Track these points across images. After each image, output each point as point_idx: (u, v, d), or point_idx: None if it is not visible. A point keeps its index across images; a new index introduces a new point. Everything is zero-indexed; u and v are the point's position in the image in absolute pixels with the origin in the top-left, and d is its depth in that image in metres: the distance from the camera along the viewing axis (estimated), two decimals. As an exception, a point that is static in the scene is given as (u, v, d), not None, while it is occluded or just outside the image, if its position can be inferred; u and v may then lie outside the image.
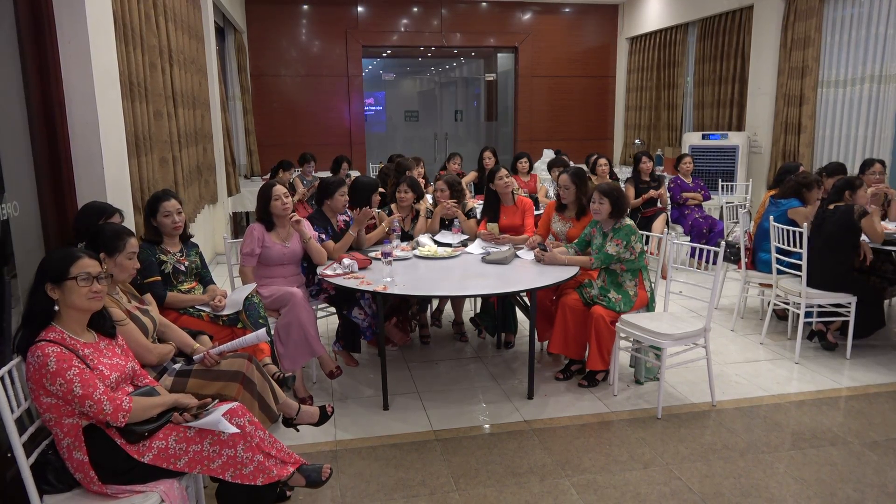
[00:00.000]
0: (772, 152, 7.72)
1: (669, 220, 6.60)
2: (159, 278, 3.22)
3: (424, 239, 4.36)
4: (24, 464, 2.02)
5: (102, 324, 2.25)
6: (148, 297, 2.89)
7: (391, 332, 4.30)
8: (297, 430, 3.06)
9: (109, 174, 3.31)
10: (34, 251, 2.94)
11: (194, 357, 2.71)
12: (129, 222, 3.44)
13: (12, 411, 2.02)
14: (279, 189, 3.77)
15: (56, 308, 2.12)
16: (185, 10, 5.65)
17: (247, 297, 3.42)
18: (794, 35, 7.25)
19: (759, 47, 7.79)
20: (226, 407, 2.22)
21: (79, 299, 2.11)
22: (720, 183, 7.60)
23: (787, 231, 4.29)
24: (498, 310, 4.48)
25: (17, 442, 1.99)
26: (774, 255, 4.41)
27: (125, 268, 2.57)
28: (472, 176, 7.03)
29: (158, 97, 4.55)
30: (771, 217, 4.45)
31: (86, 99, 3.17)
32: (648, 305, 3.89)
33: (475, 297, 4.74)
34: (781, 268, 4.42)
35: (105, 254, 2.49)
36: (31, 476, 2.03)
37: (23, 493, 2.04)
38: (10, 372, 2.07)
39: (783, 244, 4.33)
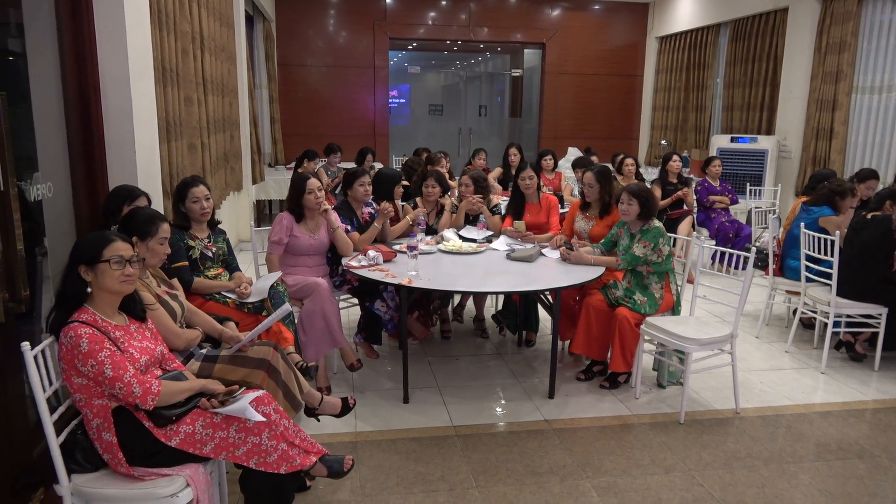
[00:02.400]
0: (802, 158, 7.59)
1: (695, 222, 6.52)
2: (186, 263, 3.24)
3: (449, 234, 4.35)
4: (54, 442, 2.04)
5: (133, 307, 2.27)
6: (175, 281, 2.92)
7: (412, 326, 4.29)
8: (318, 420, 3.07)
9: (141, 158, 3.33)
10: (66, 232, 2.98)
11: (228, 350, 2.71)
12: (158, 207, 3.46)
13: (44, 390, 2.04)
14: (313, 182, 3.77)
15: (89, 290, 2.14)
16: (218, -2, 5.67)
17: (272, 286, 3.44)
18: (830, 39, 7.10)
19: (793, 50, 7.65)
20: (253, 395, 2.23)
21: (111, 282, 2.12)
22: (748, 187, 7.48)
23: (818, 239, 4.21)
24: (520, 307, 4.45)
25: (47, 420, 2.02)
26: (804, 262, 4.34)
27: (156, 252, 2.59)
28: (497, 172, 7.00)
29: (189, 83, 4.58)
30: (802, 224, 4.37)
31: (120, 83, 3.19)
32: (674, 309, 3.85)
33: (498, 293, 4.71)
34: (810, 275, 4.34)
35: (137, 238, 2.51)
36: (60, 454, 2.06)
37: (51, 471, 2.07)
38: (42, 351, 2.09)
39: (814, 252, 4.26)
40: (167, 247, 2.65)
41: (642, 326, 3.66)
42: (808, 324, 4.93)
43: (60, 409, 2.17)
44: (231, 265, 3.55)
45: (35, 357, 2.02)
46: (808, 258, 4.32)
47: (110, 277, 2.12)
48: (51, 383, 2.11)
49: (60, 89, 2.94)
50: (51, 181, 2.82)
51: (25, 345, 1.99)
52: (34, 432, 2.39)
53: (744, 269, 3.58)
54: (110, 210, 2.89)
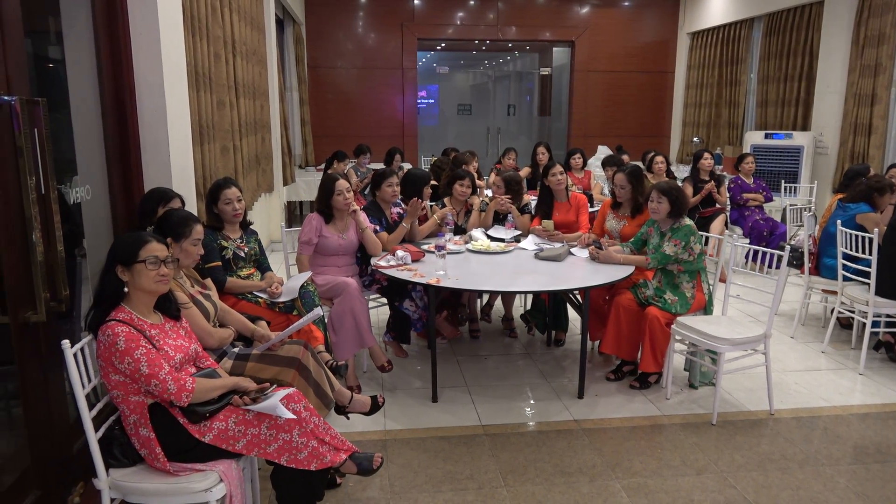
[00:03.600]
0: (839, 153, 7.41)
1: (728, 220, 6.41)
2: (219, 263, 3.30)
3: (477, 233, 4.35)
4: (93, 437, 2.10)
5: (168, 306, 2.32)
6: (208, 281, 2.97)
7: (441, 325, 4.31)
8: (348, 419, 3.10)
9: (175, 161, 3.40)
10: (103, 234, 3.06)
11: (258, 348, 2.76)
12: (192, 209, 3.53)
13: (83, 386, 2.10)
14: (342, 184, 3.82)
15: (126, 290, 2.20)
16: (249, 2, 5.77)
17: (302, 285, 3.49)
18: (868, 32, 6.92)
19: (829, 44, 7.48)
20: (283, 392, 2.27)
21: (147, 282, 2.18)
22: (783, 184, 7.34)
23: (856, 236, 4.11)
24: (549, 307, 4.44)
25: (86, 416, 2.08)
26: (841, 260, 4.23)
27: (190, 253, 2.65)
28: (525, 171, 6.98)
29: (222, 87, 4.66)
30: (838, 221, 4.27)
31: (155, 88, 3.27)
32: (706, 308, 3.79)
33: (526, 293, 4.70)
34: (848, 274, 4.24)
35: (172, 239, 2.57)
36: (99, 449, 2.12)
37: (90, 465, 2.13)
38: (81, 349, 2.16)
39: (851, 250, 4.16)
40: (200, 248, 2.71)
41: (673, 326, 3.62)
42: (845, 324, 4.81)
43: (99, 406, 2.23)
44: (263, 265, 3.61)
45: (74, 355, 2.09)
46: (846, 256, 4.21)
47: (146, 277, 2.17)
48: (89, 380, 2.17)
49: (97, 95, 3.02)
50: (89, 184, 2.90)
51: (65, 343, 2.05)
52: (74, 428, 2.47)
53: (778, 267, 3.51)
54: (145, 212, 2.96)
